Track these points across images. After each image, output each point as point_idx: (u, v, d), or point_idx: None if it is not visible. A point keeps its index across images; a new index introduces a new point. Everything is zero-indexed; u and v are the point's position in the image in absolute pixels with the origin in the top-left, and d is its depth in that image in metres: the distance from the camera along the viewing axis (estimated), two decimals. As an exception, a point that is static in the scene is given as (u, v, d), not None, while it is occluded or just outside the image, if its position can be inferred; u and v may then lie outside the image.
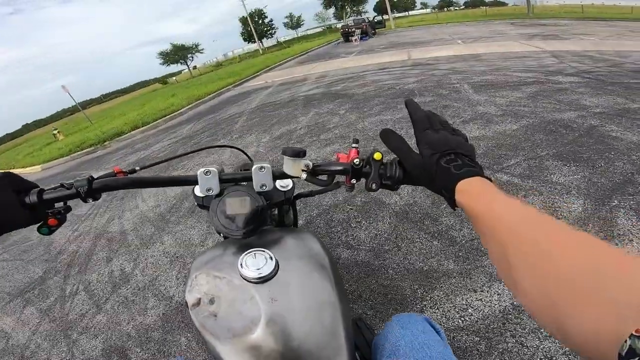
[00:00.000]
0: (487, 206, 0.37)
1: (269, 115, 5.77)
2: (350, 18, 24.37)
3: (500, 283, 1.56)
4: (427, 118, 0.51)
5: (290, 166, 0.57)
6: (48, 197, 0.54)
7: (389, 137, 0.52)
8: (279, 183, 0.76)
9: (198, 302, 0.55)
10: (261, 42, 49.73)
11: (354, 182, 0.56)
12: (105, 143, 8.10)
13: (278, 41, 54.09)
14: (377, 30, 26.33)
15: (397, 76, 6.68)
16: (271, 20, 54.64)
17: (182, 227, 2.80)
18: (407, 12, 74.54)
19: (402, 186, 0.55)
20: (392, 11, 34.26)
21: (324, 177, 0.59)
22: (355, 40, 20.37)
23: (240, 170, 0.77)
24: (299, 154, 0.56)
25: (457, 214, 2.07)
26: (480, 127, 3.29)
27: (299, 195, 0.85)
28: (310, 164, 0.57)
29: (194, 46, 50.88)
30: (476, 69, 6.17)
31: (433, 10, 72.44)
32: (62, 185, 0.56)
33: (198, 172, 0.60)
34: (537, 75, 5.07)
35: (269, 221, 0.82)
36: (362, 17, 31.24)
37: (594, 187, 2.10)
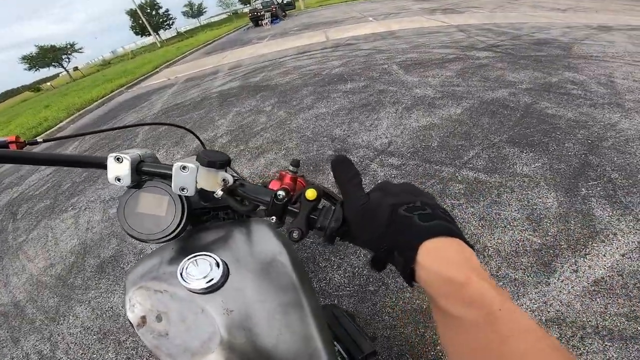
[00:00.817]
0: (468, 293, 0.26)
1: (178, 121, 4.77)
2: (258, 1, 22.95)
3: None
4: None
5: (205, 177, 0.48)
6: None
7: (339, 166, 0.39)
8: None
9: (144, 321, 0.48)
10: (158, 34, 45.30)
11: (273, 220, 0.44)
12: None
13: (178, 32, 49.66)
14: (287, 12, 25.59)
15: (319, 60, 6.25)
16: (167, 10, 49.88)
17: (94, 292, 2.05)
18: (313, -8, 74.30)
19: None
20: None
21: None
22: (266, 24, 19.46)
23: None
24: (216, 163, 0.47)
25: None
26: (426, 114, 3.06)
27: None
28: (231, 179, 0.48)
29: (69, 46, 43.90)
30: (397, 46, 6.07)
31: (337, -10, 73.46)
32: None
33: (108, 157, 0.51)
34: (455, 51, 5.13)
35: (213, 216, 0.69)
36: (269, -1, 29.94)
37: (558, 175, 2.02)
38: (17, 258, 2.67)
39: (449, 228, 0.30)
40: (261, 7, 21.90)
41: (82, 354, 1.70)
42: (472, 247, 0.30)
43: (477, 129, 2.66)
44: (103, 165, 0.52)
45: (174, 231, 0.53)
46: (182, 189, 0.50)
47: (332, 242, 0.39)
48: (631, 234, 1.55)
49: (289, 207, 0.44)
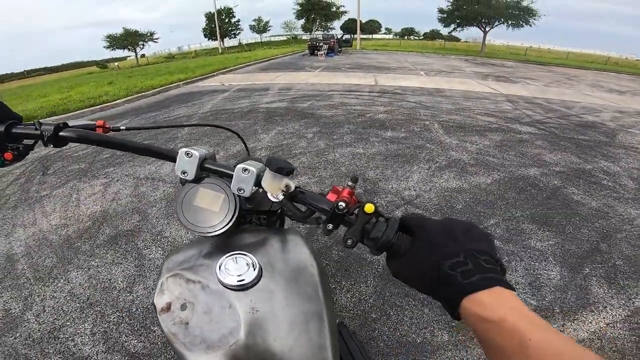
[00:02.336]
0: (504, 329, 0.31)
1: (224, 125, 5.20)
2: (319, 32, 24.50)
3: None
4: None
5: (270, 181, 0.52)
6: (16, 132, 0.55)
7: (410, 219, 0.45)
8: None
9: (168, 307, 0.50)
10: (222, 41, 48.19)
11: (330, 227, 0.49)
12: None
13: (240, 43, 52.60)
14: (342, 48, 26.87)
15: (365, 102, 6.60)
16: (238, 21, 53.18)
17: (97, 261, 2.19)
18: (371, 35, 77.72)
19: None
20: (360, 32, 35.32)
21: (304, 207, 0.53)
22: (322, 55, 20.45)
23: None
24: (282, 170, 0.50)
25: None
26: (457, 177, 3.22)
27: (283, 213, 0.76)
28: (293, 186, 0.52)
29: (149, 34, 47.25)
30: (443, 106, 6.32)
31: (395, 37, 76.54)
32: (34, 124, 0.55)
33: (180, 151, 0.55)
34: (499, 121, 5.31)
35: (254, 222, 0.74)
36: (331, 33, 31.66)
37: (567, 254, 2.18)
38: (32, 210, 2.85)
39: (489, 279, 0.35)
40: (321, 39, 23.25)
41: (53, 319, 1.75)
42: (512, 289, 0.35)
43: (501, 201, 2.79)
44: (173, 158, 0.56)
45: (224, 227, 0.56)
46: (240, 189, 0.54)
47: (379, 254, 0.46)
48: (620, 308, 1.74)
49: (345, 218, 0.49)
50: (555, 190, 2.99)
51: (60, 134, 0.54)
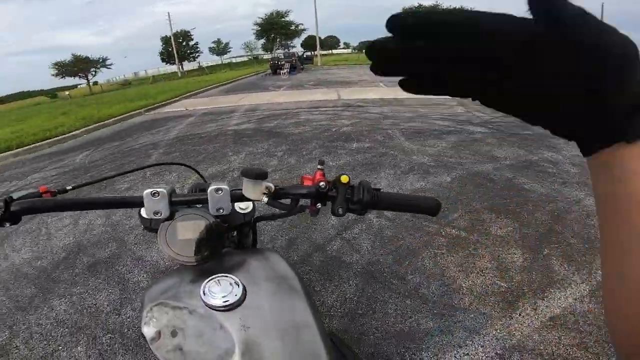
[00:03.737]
0: None
1: (193, 150, 5.18)
2: (280, 51, 25.06)
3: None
4: None
5: (251, 189, 0.54)
6: None
7: None
8: (238, 205, 0.72)
9: (158, 336, 0.50)
10: (181, 64, 47.56)
11: (319, 206, 0.54)
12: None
13: (200, 66, 52.08)
14: (305, 65, 27.55)
15: (330, 117, 6.89)
16: (197, 43, 52.99)
17: (80, 288, 2.21)
18: (331, 51, 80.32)
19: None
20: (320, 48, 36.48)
21: (287, 201, 0.57)
22: (284, 73, 20.91)
23: (194, 192, 0.69)
24: (261, 175, 0.53)
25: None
26: (420, 178, 3.50)
27: (260, 218, 0.79)
28: (272, 186, 0.54)
29: (101, 60, 45.23)
30: (402, 114, 6.73)
31: (354, 51, 79.45)
32: None
33: (144, 193, 0.55)
34: (453, 124, 5.74)
35: (226, 243, 0.77)
36: (292, 51, 32.38)
37: (526, 238, 2.40)
38: (1, 246, 2.84)
39: None
40: (282, 57, 23.77)
41: (45, 344, 1.78)
42: None
43: (462, 195, 3.07)
44: (139, 203, 0.56)
45: (217, 248, 0.58)
46: (219, 209, 0.56)
47: (364, 213, 0.52)
48: (583, 284, 1.91)
49: (328, 194, 0.53)
50: (508, 181, 3.31)
51: (12, 209, 0.50)
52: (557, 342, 1.57)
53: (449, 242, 2.39)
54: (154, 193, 0.54)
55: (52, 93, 40.40)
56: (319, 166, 0.56)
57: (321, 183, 0.52)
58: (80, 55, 43.20)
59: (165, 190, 0.55)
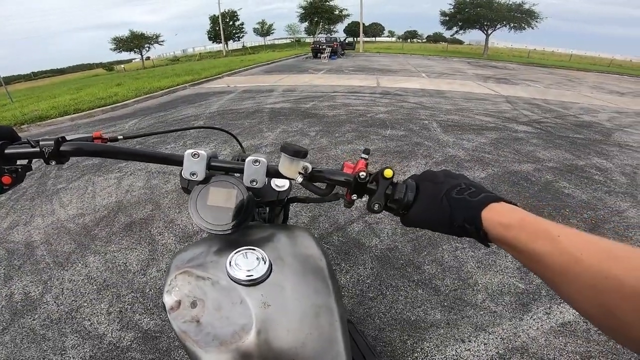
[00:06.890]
0: (533, 235, 0.33)
1: (231, 125, 5.34)
2: (322, 35, 24.76)
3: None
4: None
5: (287, 166, 0.52)
6: (9, 152, 0.51)
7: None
8: (275, 182, 0.72)
9: (178, 305, 0.50)
10: (227, 43, 48.52)
11: (355, 197, 0.51)
12: (23, 126, 6.64)
13: (244, 46, 52.93)
14: (345, 51, 27.05)
15: (367, 103, 6.77)
16: (242, 24, 53.62)
17: (114, 247, 2.36)
18: (374, 38, 78.04)
19: None
20: (363, 35, 35.57)
21: (322, 185, 0.55)
22: (324, 57, 20.66)
23: (236, 160, 0.67)
24: (299, 153, 0.50)
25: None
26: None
27: (294, 199, 0.78)
28: (310, 167, 0.52)
29: (155, 36, 47.85)
30: (442, 106, 6.47)
31: (398, 40, 76.77)
32: (28, 142, 0.52)
33: (185, 153, 0.55)
34: (496, 120, 5.44)
35: (256, 217, 0.75)
36: (334, 35, 31.83)
37: None
38: (50, 202, 3.04)
39: (494, 196, 0.38)
40: (324, 41, 23.47)
41: (72, 300, 1.88)
42: (515, 204, 0.37)
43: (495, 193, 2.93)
44: (179, 162, 0.56)
45: (243, 221, 0.57)
46: (253, 181, 0.55)
47: (403, 215, 0.47)
48: None
49: (367, 186, 0.49)
50: (547, 184, 3.12)
51: (62, 148, 0.52)
52: (562, 349, 1.51)
53: (471, 239, 2.31)
54: (194, 154, 0.55)
55: (109, 66, 43.20)
56: (363, 155, 0.53)
57: (361, 173, 0.48)
58: (136, 32, 45.22)
59: (205, 153, 0.55)
